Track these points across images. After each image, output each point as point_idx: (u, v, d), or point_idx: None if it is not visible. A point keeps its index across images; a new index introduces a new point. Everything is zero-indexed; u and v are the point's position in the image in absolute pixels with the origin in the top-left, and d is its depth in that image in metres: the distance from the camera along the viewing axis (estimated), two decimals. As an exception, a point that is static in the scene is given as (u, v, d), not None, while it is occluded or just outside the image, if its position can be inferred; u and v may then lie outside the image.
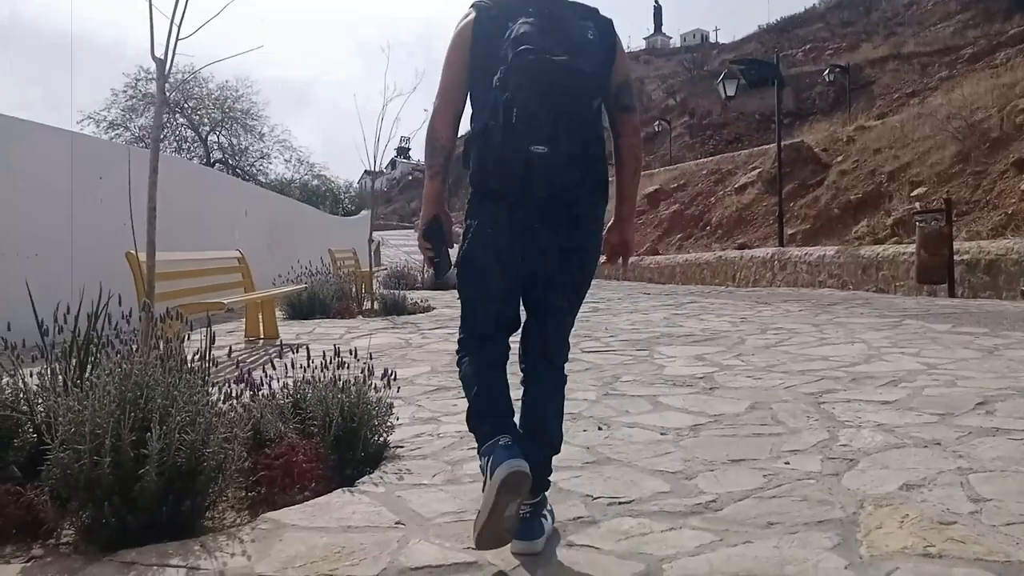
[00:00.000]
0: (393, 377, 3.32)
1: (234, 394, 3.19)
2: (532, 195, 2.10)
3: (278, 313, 9.03)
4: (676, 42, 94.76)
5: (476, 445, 2.26)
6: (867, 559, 1.95)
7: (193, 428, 2.50)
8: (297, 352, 3.56)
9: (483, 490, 2.04)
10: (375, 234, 19.20)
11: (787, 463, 2.77)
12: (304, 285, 8.53)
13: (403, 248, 33.35)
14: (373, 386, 3.26)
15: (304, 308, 8.97)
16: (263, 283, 9.21)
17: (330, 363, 3.43)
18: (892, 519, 2.18)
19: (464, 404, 2.37)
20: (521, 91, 2.00)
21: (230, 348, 6.18)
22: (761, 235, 19.90)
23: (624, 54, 2.31)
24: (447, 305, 10.41)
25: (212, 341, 3.21)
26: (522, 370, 2.49)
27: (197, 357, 3.20)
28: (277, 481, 2.85)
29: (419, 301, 9.99)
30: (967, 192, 14.45)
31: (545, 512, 2.25)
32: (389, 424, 3.25)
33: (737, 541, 2.08)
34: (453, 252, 2.36)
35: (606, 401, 3.98)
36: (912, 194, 15.68)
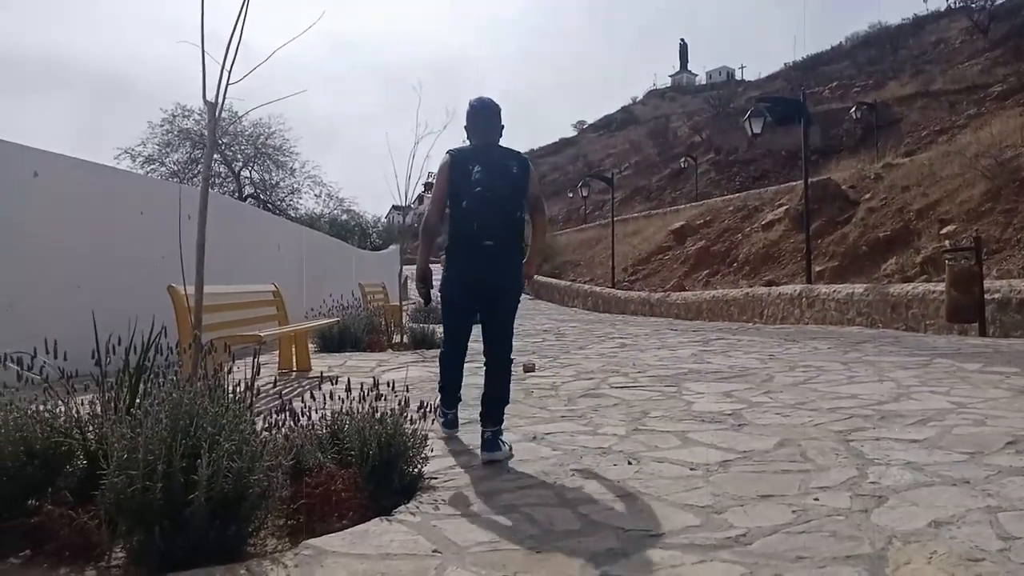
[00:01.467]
0: (428, 410, 3.40)
1: (276, 423, 3.30)
2: (479, 263, 3.91)
3: (310, 346, 9.19)
4: (702, 79, 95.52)
5: (442, 408, 4.48)
6: (896, 593, 1.99)
7: (239, 456, 2.60)
8: (335, 383, 3.66)
9: (442, 424, 4.37)
10: (404, 268, 19.39)
11: (816, 499, 2.81)
12: (336, 319, 8.70)
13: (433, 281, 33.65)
14: (409, 418, 3.35)
15: (335, 341, 9.12)
16: (295, 316, 9.39)
17: (367, 395, 3.53)
18: (920, 555, 2.22)
19: None
20: (477, 213, 3.82)
21: (267, 379, 6.36)
22: (788, 272, 19.83)
23: (535, 179, 4.11)
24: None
25: (257, 372, 3.34)
26: (487, 360, 4.24)
27: (242, 387, 3.33)
28: (316, 509, 2.95)
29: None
30: (997, 230, 14.36)
31: (502, 440, 3.80)
32: (424, 456, 3.33)
33: (767, 574, 2.13)
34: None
35: (635, 436, 4.03)
36: (941, 232, 15.59)
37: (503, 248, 3.88)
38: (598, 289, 25.57)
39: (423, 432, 3.34)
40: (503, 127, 4.17)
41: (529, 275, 4.23)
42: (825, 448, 3.60)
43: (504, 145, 4.09)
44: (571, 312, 22.93)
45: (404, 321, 11.63)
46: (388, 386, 3.52)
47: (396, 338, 10.02)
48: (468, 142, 4.14)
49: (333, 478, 3.05)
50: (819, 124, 34.82)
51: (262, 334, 5.75)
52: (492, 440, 3.74)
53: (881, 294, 13.49)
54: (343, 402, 3.48)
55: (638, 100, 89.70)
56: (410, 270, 28.89)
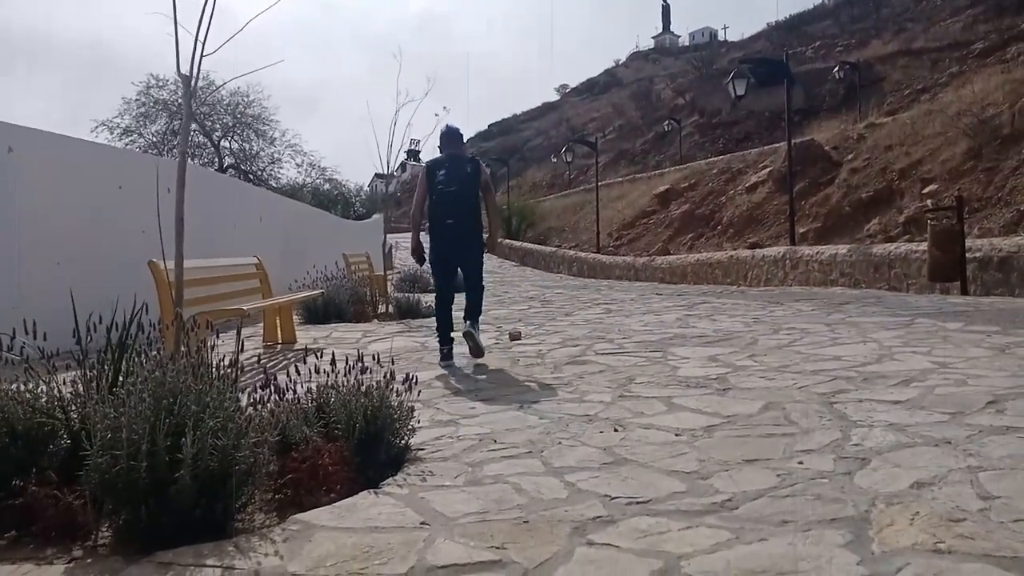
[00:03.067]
0: (414, 382, 3.40)
1: (261, 399, 3.29)
2: (451, 234, 5.89)
3: (295, 318, 9.15)
4: (685, 40, 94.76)
5: (440, 348, 6.04)
6: (879, 555, 2.02)
7: (224, 433, 2.59)
8: (320, 357, 3.64)
9: (440, 361, 5.86)
10: (388, 237, 19.21)
11: (800, 463, 2.84)
12: (320, 290, 8.65)
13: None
14: (395, 390, 3.35)
15: (320, 312, 9.08)
16: (279, 288, 9.32)
17: (352, 368, 3.52)
18: (903, 516, 2.25)
19: (478, 413, 4.01)
20: (441, 203, 5.86)
21: (252, 353, 6.32)
22: (772, 234, 19.90)
23: (485, 173, 6.15)
24: (460, 308, 10.50)
25: (241, 348, 3.31)
26: (467, 292, 6.15)
27: (226, 363, 3.30)
28: (304, 483, 2.95)
29: (432, 304, 10.07)
30: (979, 189, 14.45)
31: (479, 328, 6.01)
32: (410, 427, 3.34)
33: (752, 539, 2.16)
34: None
35: (621, 403, 4.05)
36: (923, 191, 15.66)
37: (461, 223, 5.94)
38: (583, 255, 25.59)
39: (409, 404, 3.33)
40: (464, 142, 6.47)
41: (491, 242, 6.51)
42: (809, 411, 3.63)
43: (462, 154, 6.25)
44: (556, 278, 22.95)
45: (389, 291, 11.59)
46: (373, 359, 3.50)
47: (381, 308, 10.00)
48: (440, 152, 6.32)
49: (320, 452, 3.05)
50: (802, 84, 34.67)
51: (246, 308, 5.71)
52: (473, 324, 6.06)
53: (864, 254, 13.57)
54: (328, 376, 3.46)
55: (621, 63, 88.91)
56: (394, 239, 28.75)
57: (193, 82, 3.38)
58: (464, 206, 5.90)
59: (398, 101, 9.91)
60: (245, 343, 7.63)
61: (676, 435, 3.34)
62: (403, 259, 29.46)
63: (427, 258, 6.14)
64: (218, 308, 5.78)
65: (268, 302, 6.75)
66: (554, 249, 28.47)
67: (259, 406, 3.20)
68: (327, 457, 3.05)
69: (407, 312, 9.44)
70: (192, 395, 2.70)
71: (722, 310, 8.94)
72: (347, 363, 3.55)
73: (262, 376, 3.62)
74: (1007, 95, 16.31)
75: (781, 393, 4.07)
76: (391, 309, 9.81)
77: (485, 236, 6.27)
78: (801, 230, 17.84)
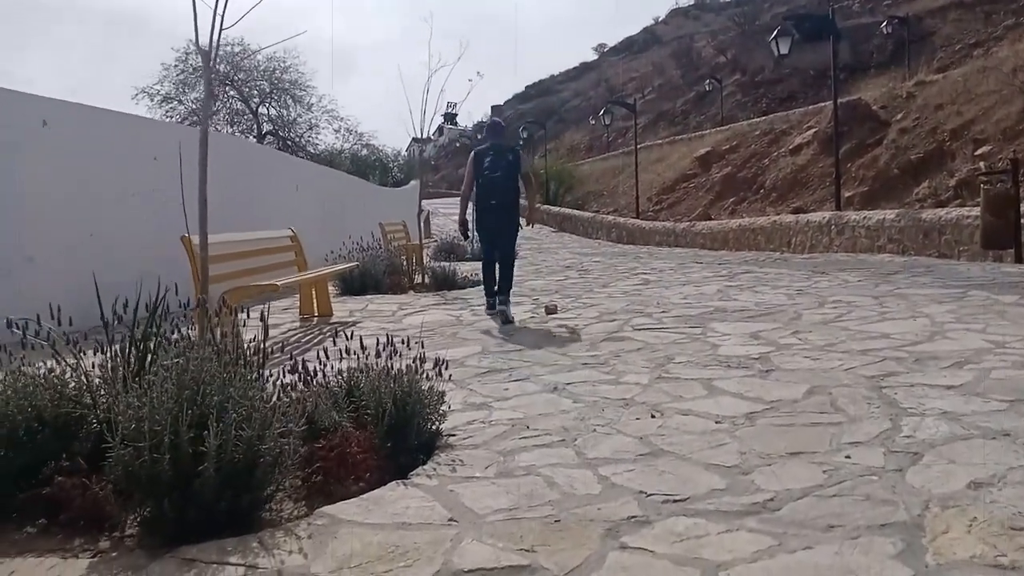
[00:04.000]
0: (445, 366, 3.31)
1: (291, 384, 3.23)
2: (495, 212, 6.91)
3: (331, 289, 9.14)
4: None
5: (487, 301, 7.18)
6: (933, 568, 1.88)
7: (249, 424, 2.53)
8: (350, 337, 3.56)
9: (488, 304, 7.13)
10: (425, 203, 19.11)
11: (848, 456, 2.69)
12: (356, 263, 8.60)
13: (452, 217, 33.46)
14: (425, 374, 3.26)
15: (356, 284, 9.06)
16: (315, 260, 9.31)
17: (382, 350, 3.43)
18: (960, 523, 2.11)
19: (511, 395, 3.95)
20: (486, 186, 6.87)
21: (287, 327, 6.28)
22: (817, 198, 19.38)
23: (524, 160, 7.44)
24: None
25: (266, 334, 3.25)
26: (499, 266, 6.97)
27: (252, 348, 3.25)
28: (332, 472, 2.89)
29: (469, 275, 10.00)
30: (1035, 150, 13.80)
31: (510, 309, 6.66)
32: (441, 412, 3.26)
33: (796, 546, 2.03)
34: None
35: (659, 385, 3.93)
36: (976, 153, 15.06)
37: (502, 204, 6.96)
38: (622, 220, 25.26)
39: (439, 389, 3.25)
40: (505, 133, 7.87)
41: (530, 218, 7.86)
42: (857, 396, 3.47)
43: (505, 144, 7.35)
44: (595, 244, 22.72)
45: (426, 260, 11.54)
46: (403, 343, 3.40)
47: (417, 279, 9.94)
48: (484, 141, 7.51)
49: (348, 440, 2.99)
50: (847, 40, 33.46)
51: (279, 283, 5.67)
52: (505, 298, 6.89)
53: (913, 220, 13.13)
54: (358, 358, 3.39)
55: (660, 20, 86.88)
56: (432, 204, 28.91)
57: (213, 57, 3.28)
58: (505, 189, 6.96)
59: (430, 67, 9.73)
60: (282, 316, 7.66)
61: (716, 423, 3.21)
62: (440, 226, 29.44)
63: (472, 229, 7.75)
64: (251, 283, 5.75)
65: (302, 276, 6.72)
66: (592, 214, 28.16)
67: (287, 391, 3.15)
68: (355, 445, 2.99)
69: (443, 283, 9.37)
70: (216, 384, 2.64)
71: (764, 280, 8.70)
72: (377, 344, 3.46)
73: (292, 358, 3.57)
74: (1069, 50, 15.52)
75: (827, 376, 3.90)
76: (427, 280, 9.74)
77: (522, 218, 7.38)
78: (847, 194, 17.32)
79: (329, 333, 6.32)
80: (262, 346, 3.26)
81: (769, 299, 7.04)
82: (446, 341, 5.62)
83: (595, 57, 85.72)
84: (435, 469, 2.86)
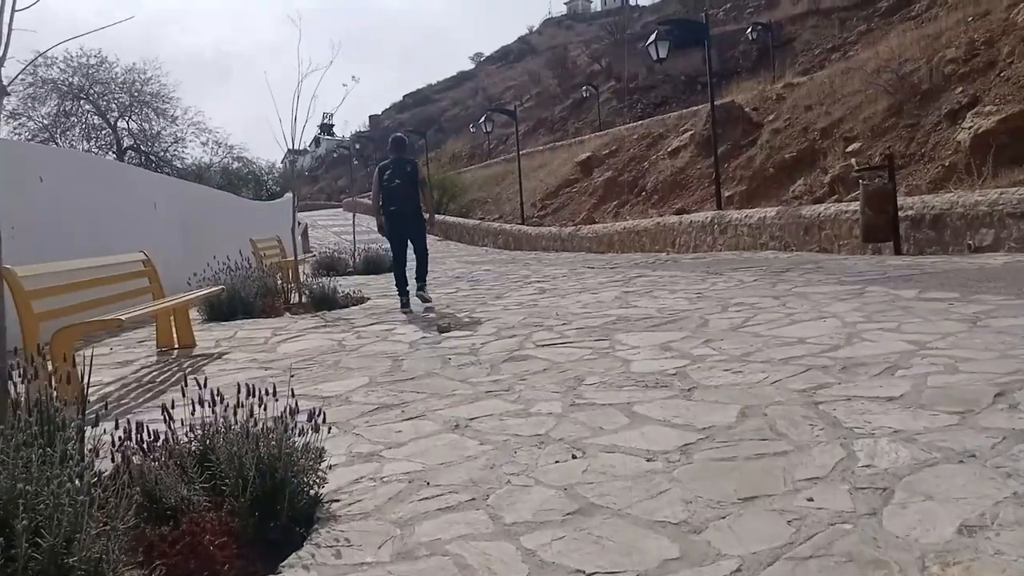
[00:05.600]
0: (322, 417, 2.70)
1: (124, 454, 2.55)
2: (397, 216, 8.27)
3: (196, 315, 8.25)
4: (597, 5, 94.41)
5: (400, 299, 8.35)
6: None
7: (49, 530, 1.86)
8: (204, 382, 2.89)
9: (401, 302, 8.30)
10: (301, 215, 18.09)
11: (811, 500, 2.28)
12: (220, 287, 7.71)
13: (332, 228, 32.27)
14: (299, 428, 2.65)
15: (225, 308, 8.19)
16: (178, 284, 8.39)
17: (245, 399, 2.79)
18: (973, 588, 1.71)
19: (405, 439, 3.36)
20: (388, 195, 8.26)
21: (142, 363, 5.35)
22: (698, 199, 19.69)
23: (421, 170, 8.85)
24: (382, 295, 9.76)
25: (83, 395, 2.55)
26: (416, 259, 8.46)
27: (75, 404, 2.55)
28: (180, 568, 2.24)
29: (351, 292, 9.30)
30: (902, 146, 14.38)
31: (428, 292, 8.48)
32: (321, 474, 2.66)
33: (790, 645, 1.58)
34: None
35: (574, 415, 3.45)
36: (847, 150, 15.57)
37: (406, 208, 8.27)
38: (508, 227, 24.98)
39: (318, 444, 2.65)
40: (407, 148, 8.93)
41: (430, 221, 8.64)
42: (795, 416, 3.10)
43: (404, 157, 8.56)
44: (482, 252, 22.31)
45: (304, 277, 10.73)
46: (268, 390, 2.77)
47: (294, 298, 9.15)
48: (389, 155, 8.54)
49: (200, 526, 2.34)
50: (715, 47, 34.57)
51: (123, 317, 4.85)
52: (422, 286, 8.44)
53: (793, 217, 13.37)
54: (214, 410, 2.74)
55: (534, 29, 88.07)
56: (310, 217, 27.83)
57: (5, 43, 2.56)
58: (406, 195, 8.26)
59: (300, 71, 9.00)
60: (137, 350, 6.77)
61: (648, 461, 2.76)
62: (320, 238, 28.24)
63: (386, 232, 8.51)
64: (92, 319, 4.91)
65: (151, 308, 5.86)
66: (478, 222, 27.77)
67: (120, 464, 2.47)
68: (209, 530, 2.35)
69: (322, 303, 8.61)
70: (2, 476, 1.95)
71: (660, 284, 8.45)
72: (239, 391, 2.81)
73: (130, 414, 2.87)
74: (923, 51, 16.30)
75: (755, 393, 3.54)
76: (305, 299, 8.98)
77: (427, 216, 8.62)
78: (727, 193, 17.63)
79: (190, 369, 5.55)
80: (83, 405, 2.56)
81: (670, 304, 6.74)
82: (326, 372, 4.97)
83: (472, 66, 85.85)
84: (314, 555, 2.25)
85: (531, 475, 2.72)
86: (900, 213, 10.60)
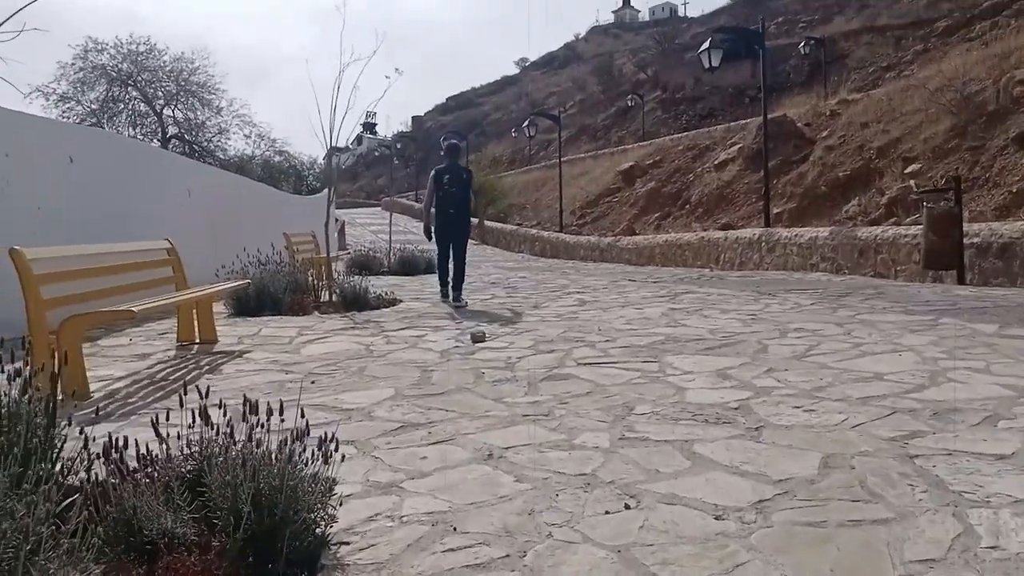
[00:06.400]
0: (334, 447, 2.29)
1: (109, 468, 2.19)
2: (451, 220, 8.80)
3: (222, 309, 7.96)
4: (645, 16, 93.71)
5: (441, 291, 9.16)
6: None
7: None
8: (205, 392, 2.52)
9: (442, 294, 9.10)
10: (339, 213, 17.77)
11: (933, 592, 1.83)
12: (246, 281, 7.36)
13: (370, 227, 32.13)
14: (308, 454, 2.26)
15: (251, 303, 7.88)
16: (206, 275, 8.11)
17: (250, 415, 2.41)
18: None
19: (431, 468, 2.94)
20: (445, 198, 8.73)
21: (160, 356, 4.95)
22: (744, 214, 19.07)
23: (474, 179, 10.04)
24: (415, 297, 9.40)
25: (53, 408, 2.18)
26: (454, 264, 8.85)
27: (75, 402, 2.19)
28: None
29: (384, 293, 8.94)
30: (965, 169, 13.69)
31: (463, 297, 8.75)
32: (330, 511, 2.26)
33: None
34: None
35: (624, 451, 3.01)
36: (906, 171, 14.90)
37: (458, 213, 8.75)
38: (546, 234, 24.55)
39: (328, 476, 2.25)
40: (461, 154, 11.31)
41: (477, 222, 16.26)
42: (889, 472, 2.63)
43: (460, 163, 9.22)
44: (518, 258, 21.91)
45: (337, 275, 10.41)
46: (269, 414, 2.38)
47: (324, 296, 8.82)
48: (444, 160, 9.05)
49: (178, 571, 1.96)
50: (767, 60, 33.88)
51: (136, 308, 4.51)
52: (458, 295, 8.69)
53: (847, 238, 12.76)
54: (217, 425, 2.36)
55: (580, 37, 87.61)
56: (349, 214, 27.79)
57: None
58: (460, 202, 8.78)
59: (342, 60, 8.68)
60: (157, 343, 6.46)
61: (717, 518, 2.31)
62: (357, 237, 28.06)
63: (433, 234, 8.92)
64: (98, 310, 4.58)
65: (170, 300, 5.52)
66: (515, 227, 27.38)
67: (89, 493, 2.09)
68: (189, 574, 1.96)
69: (353, 303, 8.26)
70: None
71: (710, 302, 7.96)
72: (246, 407, 2.43)
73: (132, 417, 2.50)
74: (989, 71, 15.57)
75: (835, 438, 3.07)
76: (335, 298, 8.64)
77: (474, 221, 9.87)
78: (775, 210, 17.00)
79: (207, 367, 5.21)
80: (51, 420, 2.19)
81: (722, 325, 6.26)
82: (350, 380, 4.59)
83: (517, 71, 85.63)
84: (314, 619, 1.84)
85: (576, 527, 2.29)
86: (965, 240, 9.98)
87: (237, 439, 2.34)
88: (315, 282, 9.29)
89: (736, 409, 3.58)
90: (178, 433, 2.47)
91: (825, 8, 46.68)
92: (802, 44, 34.57)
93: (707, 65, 16.55)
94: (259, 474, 2.16)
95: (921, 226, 10.80)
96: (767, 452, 2.92)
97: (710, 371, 4.47)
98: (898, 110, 17.20)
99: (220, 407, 2.60)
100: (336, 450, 2.24)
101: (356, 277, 10.09)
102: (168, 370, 5.20)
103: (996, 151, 13.50)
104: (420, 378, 4.62)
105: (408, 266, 14.42)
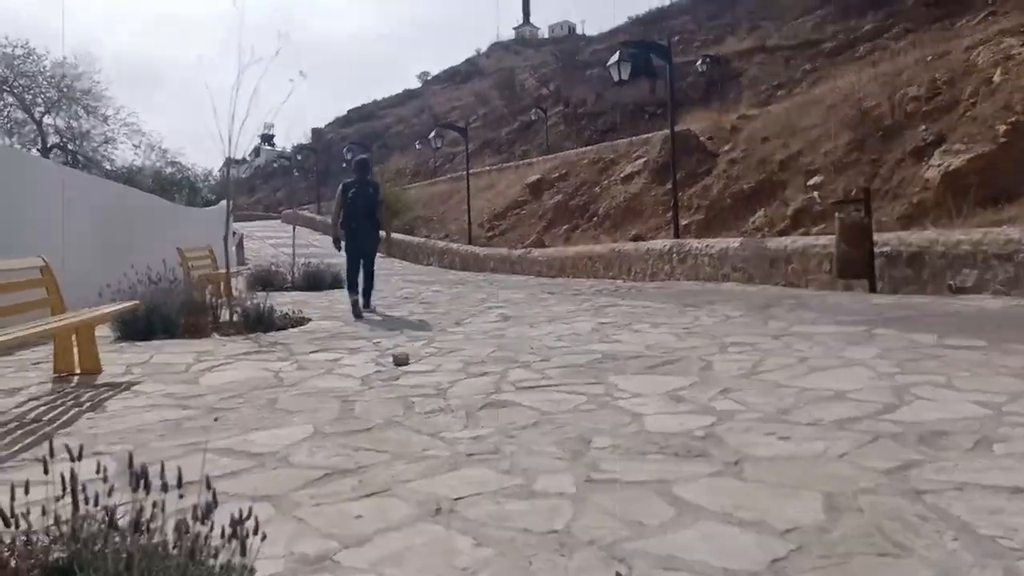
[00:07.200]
0: (255, 526, 1.76)
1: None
2: (357, 232, 9.19)
3: (107, 332, 7.14)
4: (544, 32, 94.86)
5: (352, 305, 8.98)
6: None
7: None
8: (120, 396, 1.95)
9: (352, 304, 9.00)
10: (237, 226, 16.84)
11: None
12: (134, 302, 6.55)
13: (269, 240, 30.84)
14: (213, 544, 1.73)
15: (141, 325, 7.09)
16: (88, 295, 7.25)
17: (138, 484, 1.85)
18: None
19: (369, 530, 2.43)
20: (351, 212, 9.13)
21: (30, 395, 4.15)
22: (652, 226, 19.17)
23: (381, 192, 10.04)
24: (325, 316, 8.77)
25: None
26: (364, 275, 9.30)
27: None
28: None
29: (290, 311, 8.26)
30: (864, 181, 14.08)
31: (374, 304, 9.52)
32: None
33: None
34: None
35: (595, 497, 2.58)
36: (808, 183, 15.27)
37: (364, 226, 9.12)
38: (455, 246, 24.09)
39: (243, 565, 1.72)
40: (369, 169, 9.85)
41: (386, 240, 16.63)
42: (905, 515, 2.30)
43: (366, 178, 9.43)
44: (428, 271, 21.35)
45: (237, 292, 9.65)
46: (164, 489, 1.83)
47: (224, 316, 8.07)
48: (352, 175, 9.40)
49: None
50: (663, 78, 34.59)
51: (-3, 339, 3.78)
52: (367, 302, 9.19)
53: (758, 248, 12.84)
54: (101, 486, 1.79)
55: (482, 52, 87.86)
56: (246, 227, 26.46)
57: None
58: (366, 215, 9.10)
59: (241, 61, 8.00)
60: (28, 375, 5.64)
61: (729, 587, 1.92)
62: (255, 250, 26.80)
63: (343, 245, 9.23)
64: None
65: (48, 325, 4.75)
66: (423, 240, 26.80)
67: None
68: None
69: (256, 323, 7.55)
70: None
71: (636, 315, 7.68)
72: (131, 465, 1.88)
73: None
74: (882, 87, 16.19)
75: (827, 471, 2.74)
76: (236, 317, 7.91)
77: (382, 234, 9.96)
78: (683, 222, 17.09)
79: (88, 404, 4.50)
80: None
81: (658, 340, 5.96)
82: (259, 415, 4.00)
83: (419, 85, 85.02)
84: None
85: (564, 609, 1.84)
86: (875, 249, 10.12)
87: (120, 516, 1.79)
88: (214, 300, 8.53)
89: (704, 438, 3.22)
90: (42, 507, 1.90)
91: (719, 28, 48.31)
92: (699, 62, 35.60)
93: (616, 78, 16.50)
94: (151, 565, 1.62)
95: (830, 236, 10.94)
96: (757, 493, 2.56)
97: (661, 393, 4.11)
98: (796, 125, 17.68)
99: (97, 465, 2.02)
100: (256, 532, 1.71)
101: (260, 293, 9.38)
102: (41, 408, 4.45)
103: (894, 163, 13.96)
104: (341, 411, 4.07)
105: (313, 281, 13.68)
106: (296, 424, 3.79)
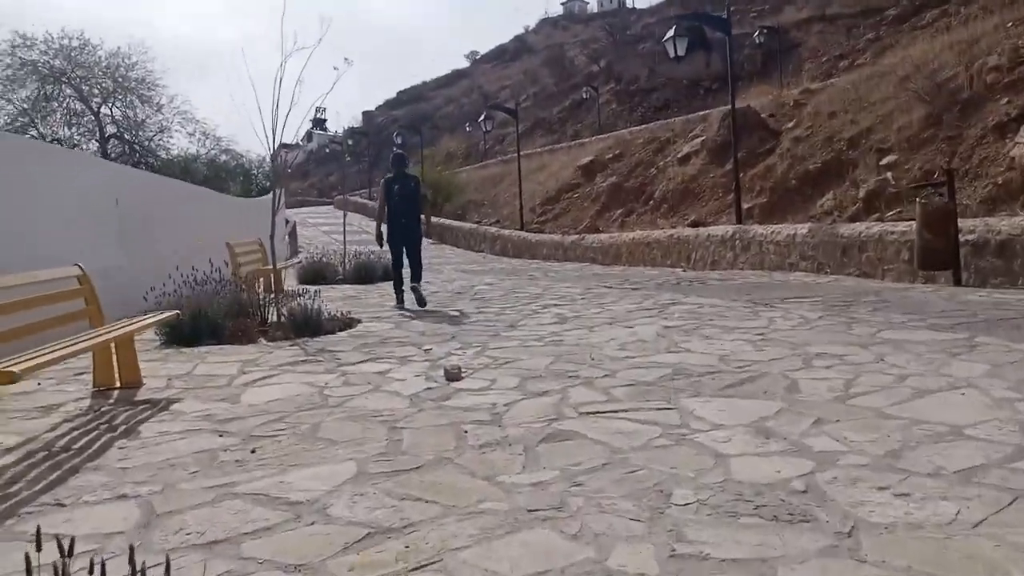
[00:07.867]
0: None
1: None
2: (403, 229, 9.57)
3: (153, 336, 6.94)
4: (594, 7, 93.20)
5: (396, 298, 9.80)
6: None
7: None
8: (158, 416, 1.60)
9: (397, 300, 9.74)
10: (291, 212, 16.55)
11: None
12: (173, 312, 6.20)
13: (323, 227, 30.89)
14: None
15: (187, 331, 6.86)
16: (134, 300, 7.06)
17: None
18: None
19: None
20: (395, 208, 9.54)
21: (67, 412, 3.84)
22: (712, 210, 18.45)
23: (423, 187, 10.20)
24: (375, 316, 8.46)
25: None
26: (411, 266, 9.61)
27: None
28: None
29: (339, 313, 7.97)
30: (941, 160, 13.18)
31: (424, 294, 9.51)
32: None
33: None
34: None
35: (685, 583, 2.16)
36: (881, 163, 14.37)
37: (408, 221, 9.55)
38: (507, 232, 23.69)
39: None
40: (407, 162, 10.13)
41: (428, 230, 10.35)
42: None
43: (408, 172, 9.89)
44: (479, 259, 21.02)
45: (288, 286, 9.43)
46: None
47: (272, 317, 7.79)
48: (392, 171, 9.72)
49: None
50: (718, 52, 33.40)
51: (17, 367, 3.51)
52: (417, 283, 9.50)
53: (829, 235, 12.15)
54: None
55: (531, 28, 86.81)
56: (301, 214, 26.79)
57: None
58: (410, 210, 9.47)
59: (284, 49, 7.68)
60: (68, 388, 5.42)
61: None
62: (309, 238, 26.83)
63: (385, 240, 9.58)
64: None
65: (80, 343, 4.48)
66: (474, 226, 26.47)
67: None
68: None
69: (304, 327, 7.25)
70: None
71: (704, 316, 7.17)
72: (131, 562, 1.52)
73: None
74: (958, 57, 15.13)
75: (966, 550, 2.26)
76: (283, 318, 7.63)
77: (424, 227, 9.81)
78: (745, 206, 16.36)
79: (123, 427, 4.24)
80: None
81: (732, 350, 5.46)
82: (299, 447, 3.67)
83: (467, 64, 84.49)
84: None
85: None
86: (960, 237, 9.38)
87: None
88: (263, 297, 8.28)
89: (804, 492, 2.77)
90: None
91: (775, -3, 46.62)
92: (756, 33, 34.22)
93: (672, 54, 15.80)
94: None
95: (908, 222, 10.23)
96: (886, 584, 2.10)
97: (745, 424, 3.65)
98: (866, 99, 16.70)
99: (96, 561, 1.68)
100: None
101: (310, 288, 9.18)
102: (74, 433, 4.20)
103: (975, 141, 13.02)
104: (388, 441, 3.71)
105: (365, 273, 13.48)
106: (339, 460, 3.44)
